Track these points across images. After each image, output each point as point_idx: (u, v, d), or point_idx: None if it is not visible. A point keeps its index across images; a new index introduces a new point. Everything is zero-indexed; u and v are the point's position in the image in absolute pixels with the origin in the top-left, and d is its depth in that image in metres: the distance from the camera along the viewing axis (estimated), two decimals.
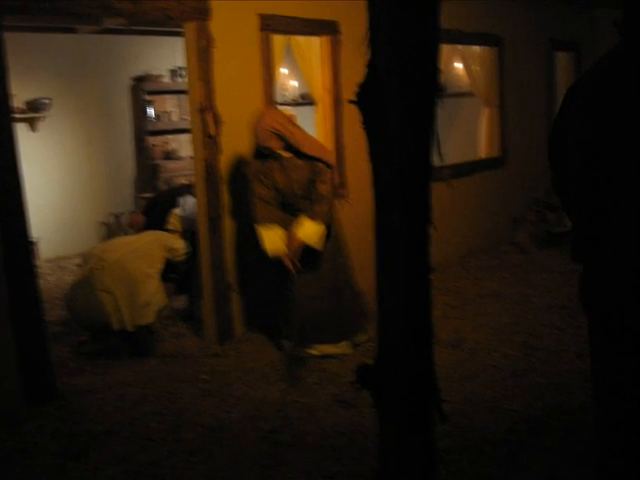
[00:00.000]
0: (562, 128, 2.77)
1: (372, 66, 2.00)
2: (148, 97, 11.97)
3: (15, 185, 5.20)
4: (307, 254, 6.02)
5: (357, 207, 7.56)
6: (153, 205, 8.03)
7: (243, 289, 6.96)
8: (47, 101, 10.72)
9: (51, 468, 4.55)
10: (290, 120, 6.10)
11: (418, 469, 2.22)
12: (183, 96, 11.26)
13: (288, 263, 5.98)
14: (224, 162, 6.64)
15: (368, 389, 2.25)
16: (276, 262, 6.04)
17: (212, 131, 6.45)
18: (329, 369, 6.03)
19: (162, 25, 9.62)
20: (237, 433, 4.95)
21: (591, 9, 12.16)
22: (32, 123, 10.84)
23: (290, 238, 5.98)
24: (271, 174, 6.05)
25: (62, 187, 11.26)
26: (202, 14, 6.32)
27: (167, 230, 7.32)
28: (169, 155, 12.28)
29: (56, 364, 5.83)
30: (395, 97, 1.95)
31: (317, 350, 6.26)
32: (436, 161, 2.07)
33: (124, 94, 11.90)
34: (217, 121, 6.48)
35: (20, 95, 10.43)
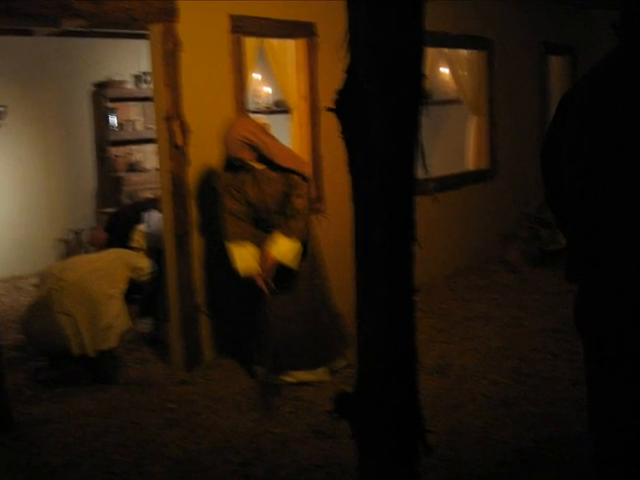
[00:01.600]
0: (556, 138, 2.77)
1: (352, 71, 2.00)
2: (110, 104, 11.92)
3: None
4: (281, 273, 6.01)
5: (335, 223, 7.54)
6: (116, 221, 8.01)
7: (213, 311, 6.94)
8: (1, 109, 10.67)
9: None
10: (263, 129, 6.10)
11: None
12: (148, 103, 11.19)
13: (261, 283, 5.97)
14: (192, 174, 6.63)
15: (347, 419, 2.24)
16: (248, 282, 6.03)
17: (179, 141, 6.44)
18: (305, 397, 6.01)
19: (125, 27, 9.60)
20: (206, 466, 4.92)
21: (588, 10, 12.21)
22: None
23: (263, 256, 5.97)
24: (243, 187, 6.04)
25: (17, 202, 11.20)
26: (168, 15, 6.31)
27: (131, 248, 7.30)
28: (133, 167, 12.24)
29: (11, 392, 5.79)
30: (376, 104, 1.95)
31: (292, 377, 6.25)
32: (420, 173, 2.07)
33: (84, 101, 11.85)
34: (185, 130, 6.47)
35: None
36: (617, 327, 2.50)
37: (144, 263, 6.96)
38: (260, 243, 6.02)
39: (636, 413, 2.50)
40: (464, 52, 10.22)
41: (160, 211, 6.91)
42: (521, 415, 5.48)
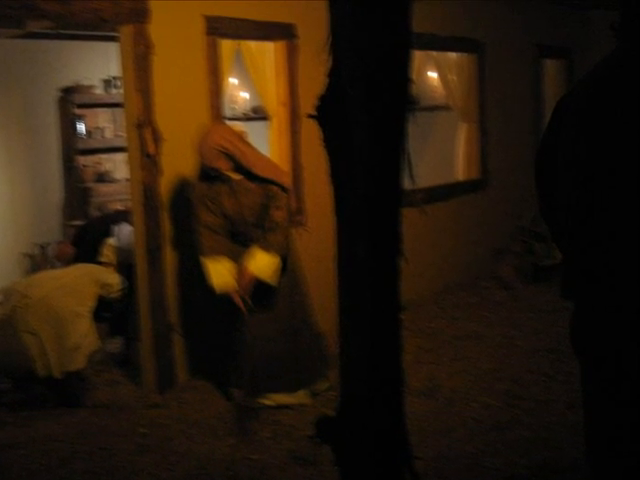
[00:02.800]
0: (551, 146, 2.77)
1: (334, 75, 2.00)
2: (78, 111, 11.84)
3: None
4: (260, 290, 6.00)
5: (317, 236, 7.55)
6: (84, 234, 7.99)
7: (187, 330, 6.91)
8: None
9: None
10: (240, 137, 6.10)
11: None
12: (118, 110, 11.16)
13: (238, 300, 5.95)
14: (165, 185, 6.61)
15: (329, 444, 2.23)
16: (225, 299, 6.01)
17: (151, 150, 6.43)
18: (285, 421, 6.00)
19: (94, 29, 9.58)
20: None
21: (585, 10, 12.26)
22: None
23: (240, 272, 5.96)
24: (219, 199, 6.03)
25: None
26: (140, 16, 6.31)
27: (100, 263, 7.28)
28: (102, 177, 12.17)
29: None
30: (360, 111, 1.94)
31: (271, 400, 6.23)
32: (407, 184, 2.06)
33: (50, 107, 11.79)
34: (157, 138, 6.46)
35: None
36: (616, 347, 2.50)
37: (114, 279, 6.94)
38: (237, 258, 6.01)
39: (636, 438, 2.50)
40: (453, 55, 10.24)
41: (131, 224, 6.89)
42: (514, 440, 5.48)
